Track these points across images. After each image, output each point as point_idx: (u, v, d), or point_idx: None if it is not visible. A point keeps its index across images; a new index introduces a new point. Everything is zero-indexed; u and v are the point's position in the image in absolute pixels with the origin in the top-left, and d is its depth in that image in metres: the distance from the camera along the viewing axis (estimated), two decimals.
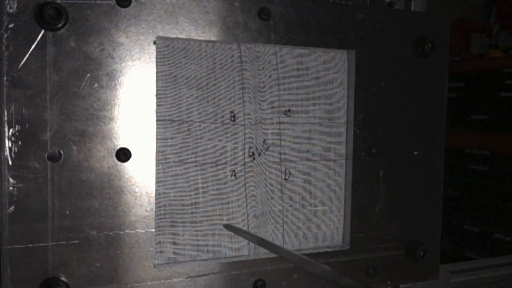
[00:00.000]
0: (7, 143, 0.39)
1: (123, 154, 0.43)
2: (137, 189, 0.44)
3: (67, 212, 0.41)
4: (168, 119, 0.46)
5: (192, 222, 0.47)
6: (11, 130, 0.39)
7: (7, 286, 0.40)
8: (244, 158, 0.49)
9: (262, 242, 0.45)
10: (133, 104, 0.43)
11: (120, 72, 0.42)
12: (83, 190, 0.42)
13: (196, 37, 0.45)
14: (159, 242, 0.46)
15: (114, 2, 0.42)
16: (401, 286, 0.59)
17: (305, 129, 0.52)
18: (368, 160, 0.54)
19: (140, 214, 0.44)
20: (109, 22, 0.42)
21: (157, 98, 0.44)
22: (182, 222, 0.47)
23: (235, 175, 0.49)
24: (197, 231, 0.48)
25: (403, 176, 0.56)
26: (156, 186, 0.45)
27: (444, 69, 0.57)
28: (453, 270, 0.70)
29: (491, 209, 1.88)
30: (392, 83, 0.54)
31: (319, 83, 0.52)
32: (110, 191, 0.43)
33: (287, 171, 0.51)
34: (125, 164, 0.43)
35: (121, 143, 0.43)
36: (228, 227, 0.48)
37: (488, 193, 1.90)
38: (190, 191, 0.47)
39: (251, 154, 0.49)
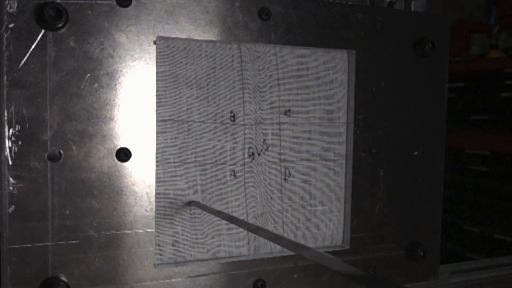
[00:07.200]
0: (7, 143, 0.39)
1: (123, 154, 0.43)
2: (137, 189, 0.44)
3: (67, 212, 0.41)
4: (168, 119, 0.46)
5: (192, 222, 0.47)
6: (11, 130, 0.39)
7: (7, 286, 0.40)
8: (243, 158, 0.49)
9: (233, 220, 0.45)
10: (133, 104, 0.43)
11: (120, 72, 0.42)
12: (83, 190, 0.42)
13: (196, 37, 0.45)
14: (159, 242, 0.46)
15: (114, 2, 0.42)
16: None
17: (305, 129, 0.52)
18: (368, 160, 0.54)
19: (140, 214, 0.44)
20: (109, 22, 0.42)
21: (157, 98, 0.44)
22: (182, 222, 0.47)
23: (234, 175, 0.49)
24: (197, 231, 0.48)
25: (403, 176, 0.56)
26: (156, 186, 0.45)
27: (444, 69, 0.57)
28: (453, 270, 0.70)
29: (491, 209, 1.88)
30: (392, 83, 0.54)
31: (319, 83, 0.52)
32: (110, 191, 0.43)
33: (287, 171, 0.51)
34: (125, 164, 0.43)
35: (121, 143, 0.43)
36: (193, 203, 0.47)
37: (488, 193, 1.90)
38: (190, 191, 0.47)
39: (250, 154, 0.49)
